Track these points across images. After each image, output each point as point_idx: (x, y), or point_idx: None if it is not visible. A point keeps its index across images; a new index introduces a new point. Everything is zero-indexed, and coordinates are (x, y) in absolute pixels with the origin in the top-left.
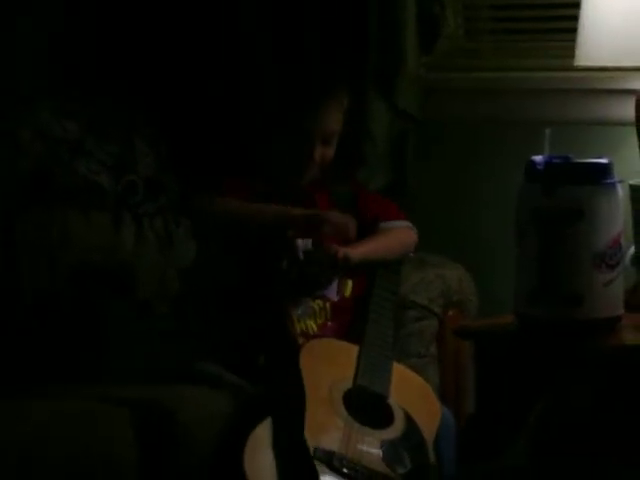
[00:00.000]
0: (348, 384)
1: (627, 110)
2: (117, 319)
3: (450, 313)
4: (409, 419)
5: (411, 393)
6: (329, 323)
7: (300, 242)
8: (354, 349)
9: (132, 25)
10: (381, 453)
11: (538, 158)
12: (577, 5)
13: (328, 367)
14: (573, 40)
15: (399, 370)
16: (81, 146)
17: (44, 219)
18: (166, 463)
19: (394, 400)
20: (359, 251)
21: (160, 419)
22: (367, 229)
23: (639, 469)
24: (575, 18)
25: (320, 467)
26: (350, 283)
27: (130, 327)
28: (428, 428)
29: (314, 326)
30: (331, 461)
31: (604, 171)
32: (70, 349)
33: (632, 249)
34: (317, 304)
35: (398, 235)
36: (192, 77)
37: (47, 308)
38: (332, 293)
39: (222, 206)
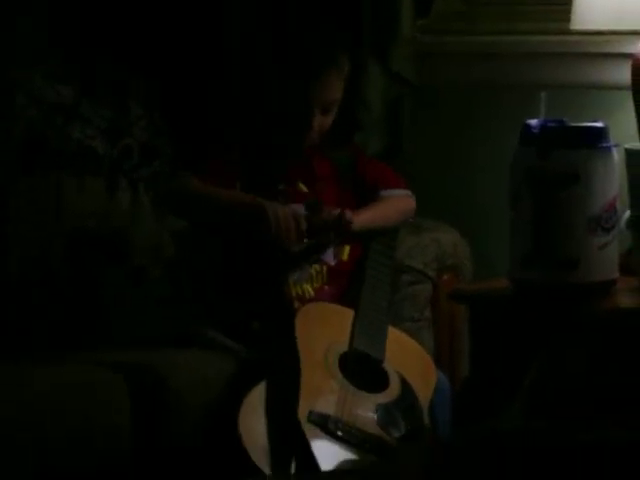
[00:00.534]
0: (344, 348)
1: (623, 74)
2: (112, 284)
3: (445, 277)
4: (404, 383)
5: (407, 357)
6: (326, 287)
7: (295, 206)
8: (350, 313)
9: None
10: (376, 417)
11: (533, 122)
12: None
13: (324, 331)
14: (569, 4)
15: (395, 334)
16: (75, 111)
17: (38, 184)
18: (160, 428)
19: (390, 364)
20: (361, 219)
21: (154, 384)
22: (366, 195)
23: (634, 432)
24: None
25: (315, 430)
26: (347, 247)
27: (125, 292)
28: (423, 392)
29: (311, 290)
30: (326, 424)
31: (600, 135)
32: (65, 315)
33: (627, 213)
34: (314, 268)
35: (398, 204)
36: (189, 43)
37: (41, 274)
38: (329, 257)
39: (196, 189)
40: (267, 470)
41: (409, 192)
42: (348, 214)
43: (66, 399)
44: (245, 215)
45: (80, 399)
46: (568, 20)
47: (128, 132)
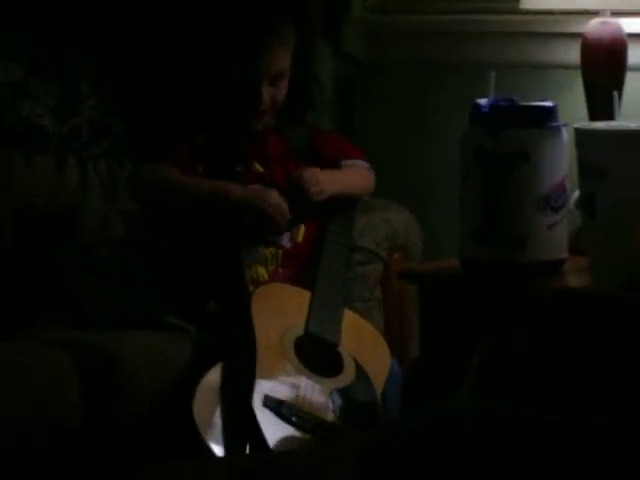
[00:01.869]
0: (299, 331)
1: (573, 54)
2: (60, 263)
3: (395, 256)
4: (359, 367)
5: (361, 341)
6: (280, 270)
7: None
8: (306, 295)
9: None
10: (330, 402)
11: (483, 101)
12: None
13: (280, 313)
14: None
15: (350, 317)
16: (24, 89)
17: None
18: (111, 409)
19: (345, 348)
20: (333, 183)
21: (104, 365)
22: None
23: (578, 413)
24: None
25: (269, 415)
26: (302, 228)
27: (73, 271)
28: (377, 377)
29: (265, 273)
30: (280, 410)
31: (549, 114)
32: (12, 293)
33: (577, 193)
34: (269, 251)
35: (362, 173)
36: (135, 18)
37: None
38: (284, 239)
39: (161, 175)
40: (220, 454)
41: (368, 165)
42: (312, 181)
43: (11, 376)
44: (241, 205)
45: (26, 378)
46: None
47: (76, 111)
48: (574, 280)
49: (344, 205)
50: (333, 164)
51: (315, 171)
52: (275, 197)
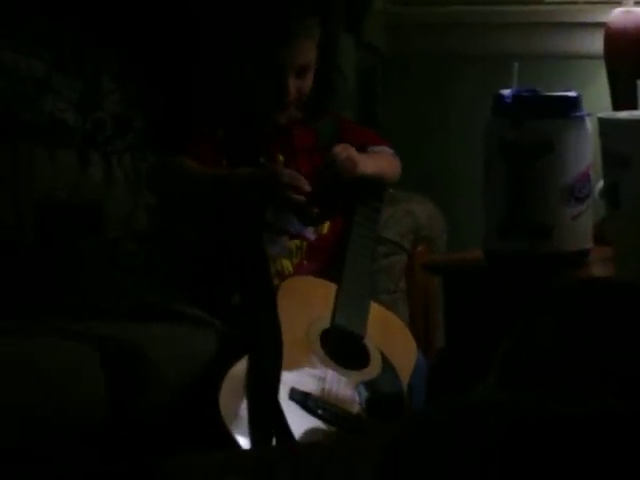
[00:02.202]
0: (326, 323)
1: (596, 44)
2: (83, 256)
3: (419, 248)
4: (385, 360)
5: (388, 333)
6: (305, 263)
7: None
8: (332, 287)
9: None
10: (357, 395)
11: (506, 92)
12: None
13: (305, 306)
14: None
15: (377, 310)
16: (47, 83)
17: (9, 158)
18: (137, 401)
19: (371, 340)
20: (367, 163)
21: (130, 357)
22: None
23: (603, 401)
24: None
25: (295, 408)
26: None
27: (98, 265)
28: (404, 370)
29: (289, 266)
30: (306, 402)
31: (573, 104)
32: (37, 287)
33: (601, 183)
34: (294, 243)
35: (390, 159)
36: (160, 12)
37: (13, 247)
38: (309, 231)
39: (177, 166)
40: (246, 446)
41: (393, 152)
42: (341, 151)
43: (38, 368)
44: (256, 186)
45: (51, 371)
46: None
47: (100, 105)
48: (599, 270)
49: (372, 193)
50: (361, 150)
51: (350, 149)
52: (288, 175)
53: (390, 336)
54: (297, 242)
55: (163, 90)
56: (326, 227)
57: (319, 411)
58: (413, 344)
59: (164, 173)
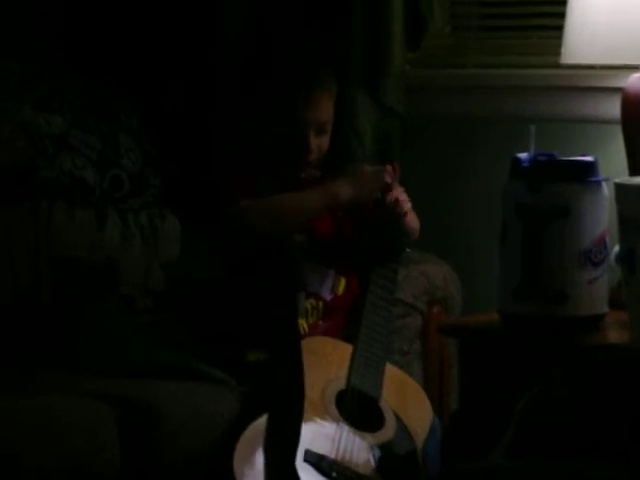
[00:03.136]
0: (341, 384)
1: (613, 108)
2: (100, 314)
3: (434, 310)
4: (400, 423)
5: (403, 396)
6: (320, 322)
7: None
8: (348, 348)
9: (118, 19)
10: (371, 458)
11: (523, 155)
12: (563, 2)
13: (321, 367)
14: (559, 37)
15: (392, 371)
16: (66, 141)
17: (28, 215)
18: (151, 460)
19: (386, 402)
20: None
21: (144, 415)
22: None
23: (621, 467)
24: (561, 15)
25: (309, 470)
26: (343, 281)
27: (113, 322)
28: (418, 432)
29: (305, 326)
30: (320, 465)
31: (590, 169)
32: (54, 344)
33: (617, 247)
34: (310, 303)
35: (410, 215)
36: (178, 70)
37: (29, 304)
38: (325, 291)
39: (267, 202)
40: None
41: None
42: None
43: (50, 429)
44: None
45: (64, 429)
46: (558, 54)
47: (117, 163)
48: (614, 335)
49: (391, 254)
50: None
51: (397, 190)
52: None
53: (405, 398)
54: (312, 302)
55: (181, 147)
56: (342, 287)
57: (333, 474)
58: (428, 406)
59: (253, 212)
